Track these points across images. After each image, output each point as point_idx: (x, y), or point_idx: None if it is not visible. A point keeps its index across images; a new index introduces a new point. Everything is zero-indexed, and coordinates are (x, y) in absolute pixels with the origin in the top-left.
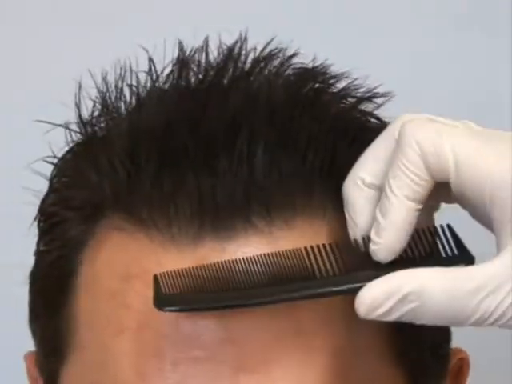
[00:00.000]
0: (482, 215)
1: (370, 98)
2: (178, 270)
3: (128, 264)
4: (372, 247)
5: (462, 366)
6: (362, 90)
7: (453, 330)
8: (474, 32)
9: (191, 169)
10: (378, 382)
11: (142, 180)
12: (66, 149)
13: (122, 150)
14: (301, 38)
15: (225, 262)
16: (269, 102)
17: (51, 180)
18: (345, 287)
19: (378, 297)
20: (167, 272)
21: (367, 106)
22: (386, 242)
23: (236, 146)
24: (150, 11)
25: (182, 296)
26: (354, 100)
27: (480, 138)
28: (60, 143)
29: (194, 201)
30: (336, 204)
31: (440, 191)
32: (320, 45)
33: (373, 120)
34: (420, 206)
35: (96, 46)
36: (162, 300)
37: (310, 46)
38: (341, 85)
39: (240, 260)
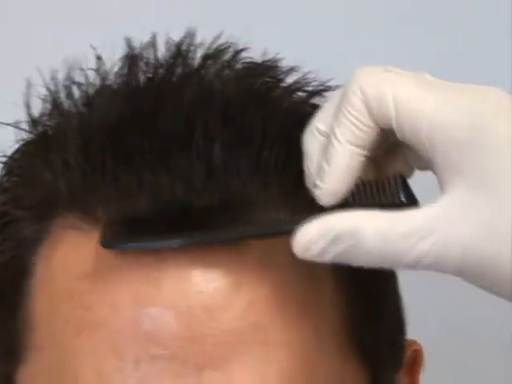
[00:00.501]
0: (425, 161)
1: (321, 91)
2: (129, 217)
3: (84, 263)
4: (316, 192)
5: (416, 357)
6: (314, 83)
7: (453, 325)
8: (473, 32)
9: (147, 166)
10: (341, 373)
11: (97, 178)
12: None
13: (75, 147)
14: (299, 40)
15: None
16: (222, 96)
17: (1, 179)
18: (285, 228)
19: (313, 236)
20: (116, 219)
21: (319, 100)
22: (329, 186)
23: (192, 142)
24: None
25: (131, 235)
26: (305, 94)
27: (427, 86)
28: (9, 142)
29: (151, 199)
30: (293, 197)
31: (408, 155)
32: (319, 45)
33: None
34: (365, 153)
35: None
36: (108, 240)
37: (308, 47)
38: (291, 79)
39: (196, 209)
